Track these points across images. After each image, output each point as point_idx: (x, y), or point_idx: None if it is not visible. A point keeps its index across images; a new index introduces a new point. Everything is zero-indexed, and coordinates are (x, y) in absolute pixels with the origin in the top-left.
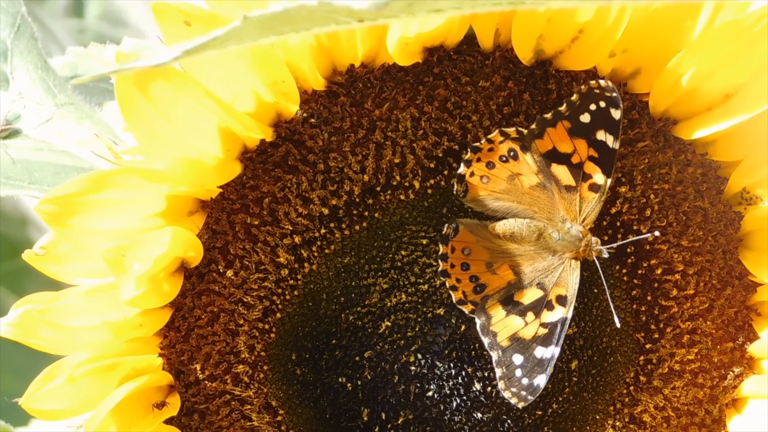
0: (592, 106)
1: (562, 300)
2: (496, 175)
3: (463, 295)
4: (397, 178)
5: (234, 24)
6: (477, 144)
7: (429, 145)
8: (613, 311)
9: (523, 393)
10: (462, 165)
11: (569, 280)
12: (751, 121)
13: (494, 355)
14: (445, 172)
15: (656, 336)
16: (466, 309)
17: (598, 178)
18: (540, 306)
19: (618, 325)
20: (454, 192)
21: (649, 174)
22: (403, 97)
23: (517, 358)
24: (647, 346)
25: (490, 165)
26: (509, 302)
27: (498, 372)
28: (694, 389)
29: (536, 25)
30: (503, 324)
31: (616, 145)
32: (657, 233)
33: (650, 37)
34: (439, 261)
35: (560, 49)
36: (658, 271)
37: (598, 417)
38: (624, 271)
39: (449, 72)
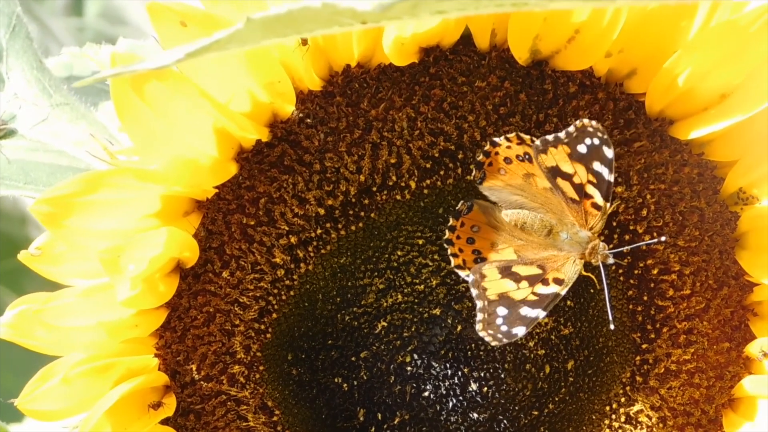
0: (587, 140)
1: (558, 281)
2: (513, 171)
3: (462, 262)
4: (393, 178)
5: (237, 26)
6: (496, 139)
7: (425, 146)
8: (609, 313)
9: (500, 335)
10: (481, 153)
11: (570, 270)
12: (747, 121)
13: (479, 303)
14: (441, 173)
15: (652, 336)
16: (462, 273)
17: (598, 199)
18: (536, 280)
19: (612, 327)
20: (471, 177)
21: (645, 174)
22: (399, 97)
23: (502, 311)
24: (643, 346)
25: (507, 161)
26: (506, 270)
27: (479, 315)
28: (690, 389)
29: (532, 25)
30: (496, 284)
31: (611, 178)
32: (663, 238)
33: (646, 38)
34: (446, 230)
35: (556, 50)
36: (655, 271)
37: (594, 417)
38: (620, 271)
39: (445, 72)
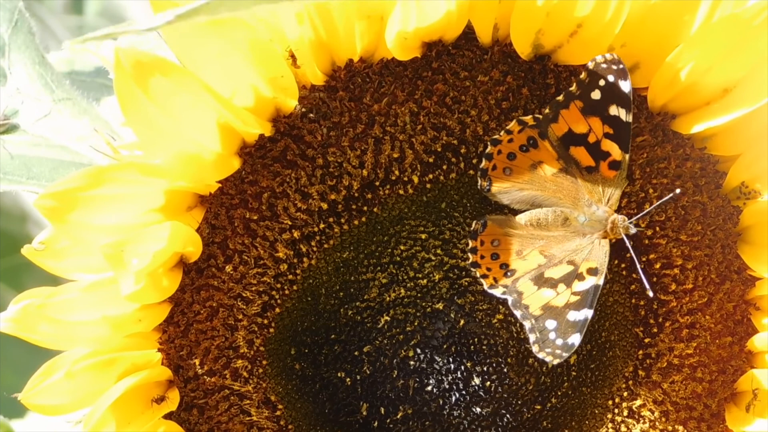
0: (602, 82)
1: (593, 271)
2: (518, 166)
3: (493, 281)
4: (396, 172)
5: None
6: (496, 137)
7: (428, 140)
8: (645, 282)
9: (558, 351)
10: (483, 159)
11: (599, 254)
12: (749, 116)
13: (527, 324)
14: (444, 167)
15: (655, 330)
16: (497, 292)
17: (617, 154)
18: (571, 278)
19: (651, 294)
20: (479, 187)
21: (647, 168)
22: (401, 92)
23: (551, 323)
24: (646, 340)
25: (511, 156)
26: (540, 278)
27: (531, 337)
28: (692, 383)
29: (535, 19)
30: (535, 297)
31: (630, 118)
32: (678, 190)
33: (649, 32)
34: (469, 254)
35: (559, 44)
36: (657, 266)
37: (597, 411)
38: (623, 265)
39: (448, 67)
